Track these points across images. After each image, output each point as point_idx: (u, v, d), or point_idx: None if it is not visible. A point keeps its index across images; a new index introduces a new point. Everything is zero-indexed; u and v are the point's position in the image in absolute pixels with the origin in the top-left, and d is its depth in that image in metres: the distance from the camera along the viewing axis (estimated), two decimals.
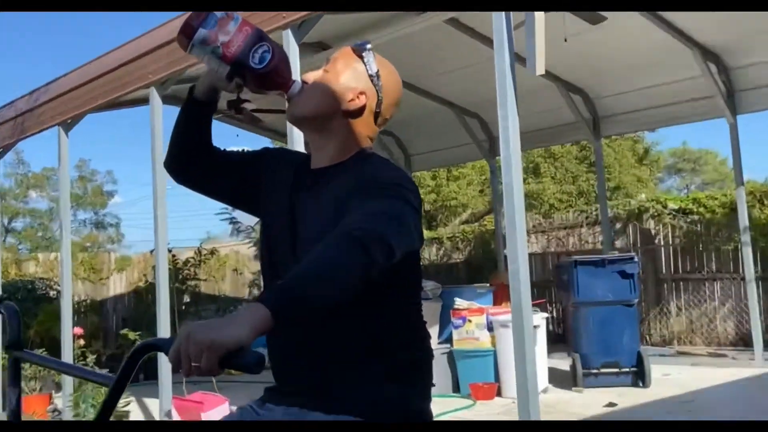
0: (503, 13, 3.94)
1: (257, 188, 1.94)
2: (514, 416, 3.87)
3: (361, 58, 1.82)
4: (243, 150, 2.04)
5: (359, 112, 1.81)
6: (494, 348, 7.08)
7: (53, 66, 52.04)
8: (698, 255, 10.42)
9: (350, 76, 1.80)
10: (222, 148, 2.00)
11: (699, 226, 10.47)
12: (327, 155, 1.82)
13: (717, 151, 32.17)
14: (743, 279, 8.86)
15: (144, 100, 6.72)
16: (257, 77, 1.70)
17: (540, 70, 3.97)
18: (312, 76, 1.82)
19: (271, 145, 1.99)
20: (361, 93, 1.80)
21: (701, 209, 10.48)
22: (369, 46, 1.84)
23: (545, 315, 7.76)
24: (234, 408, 1.59)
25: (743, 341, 9.44)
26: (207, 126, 1.93)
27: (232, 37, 1.66)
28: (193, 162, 1.94)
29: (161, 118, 6.37)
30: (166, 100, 6.66)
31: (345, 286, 1.43)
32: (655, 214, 10.91)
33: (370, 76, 1.81)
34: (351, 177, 1.71)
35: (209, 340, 1.24)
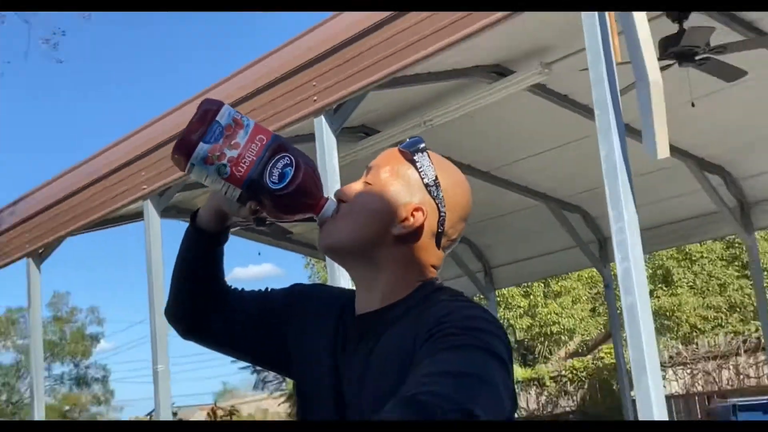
0: (605, 76, 3.99)
1: (286, 343, 1.93)
2: None
3: (413, 162, 1.78)
4: (267, 289, 2.05)
5: (416, 235, 1.75)
6: None
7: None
8: None
9: (400, 187, 1.75)
10: (239, 288, 2.02)
11: None
12: (377, 296, 1.77)
13: None
14: None
15: (137, 215, 6.90)
16: (277, 199, 1.69)
17: (663, 153, 3.97)
18: (350, 191, 1.77)
19: (304, 272, 1.92)
20: (417, 209, 1.73)
21: None
22: (422, 145, 1.79)
23: None
24: None
25: None
26: (217, 263, 1.91)
27: (242, 151, 1.67)
28: (201, 311, 1.94)
29: (159, 236, 6.52)
30: (165, 212, 6.85)
31: None
32: None
33: (427, 185, 1.75)
34: (412, 323, 1.68)
35: None
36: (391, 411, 1.47)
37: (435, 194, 1.75)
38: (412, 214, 1.72)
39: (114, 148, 7.06)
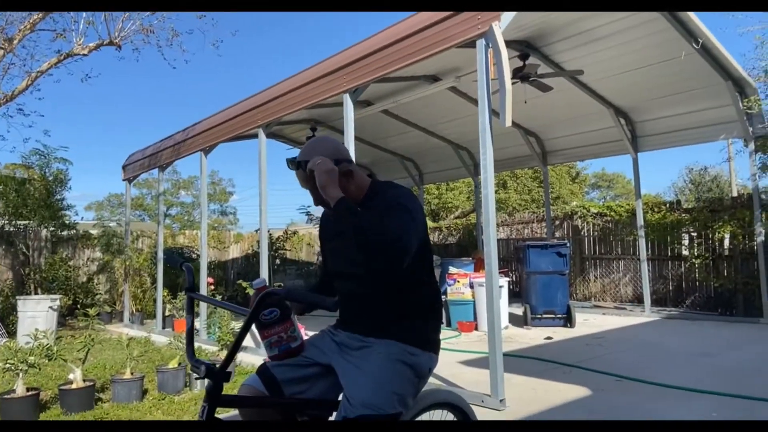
0: (485, 83, 3.93)
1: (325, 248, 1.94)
2: (485, 343, 3.89)
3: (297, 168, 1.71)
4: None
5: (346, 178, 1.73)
6: (473, 299, 7.10)
7: (196, 110, 52.49)
8: (610, 243, 10.30)
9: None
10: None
11: (611, 224, 10.35)
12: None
13: (624, 174, 31.54)
14: (639, 259, 8.76)
15: (255, 136, 6.83)
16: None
17: (508, 123, 3.95)
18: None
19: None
20: (341, 175, 1.70)
21: (612, 213, 10.34)
22: (291, 161, 1.71)
23: (507, 279, 7.76)
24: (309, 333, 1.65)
25: (638, 300, 9.33)
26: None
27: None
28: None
29: (265, 148, 6.46)
30: (269, 136, 6.76)
31: (378, 252, 1.50)
32: (582, 215, 10.79)
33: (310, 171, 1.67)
34: (376, 204, 1.70)
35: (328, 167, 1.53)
36: (389, 223, 1.53)
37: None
38: (344, 179, 1.71)
39: (243, 103, 6.88)
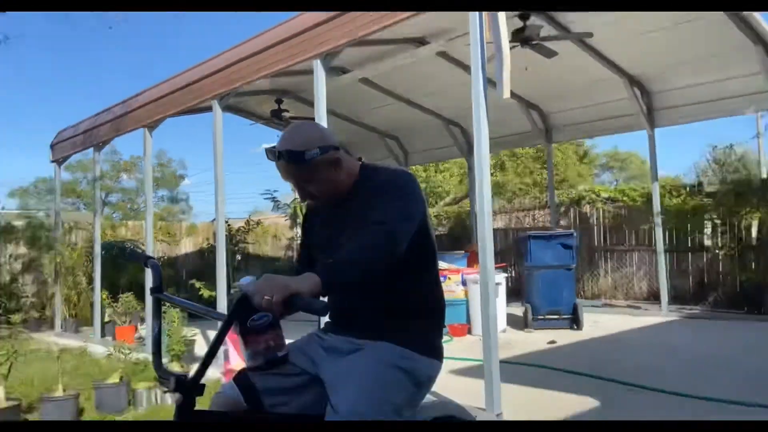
0: (479, 47, 3.92)
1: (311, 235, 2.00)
2: (480, 349, 3.92)
3: (302, 160, 1.74)
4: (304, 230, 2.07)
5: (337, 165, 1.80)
6: (466, 298, 7.15)
7: (135, 79, 51.43)
8: (622, 232, 10.45)
9: (315, 172, 1.76)
10: (306, 246, 2.01)
11: (623, 210, 10.49)
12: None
13: (639, 153, 31.96)
14: (655, 251, 8.89)
15: (209, 109, 6.73)
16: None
17: (506, 94, 3.95)
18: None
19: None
20: (329, 164, 1.77)
21: (625, 198, 10.49)
22: (267, 149, 1.76)
23: (505, 275, 7.81)
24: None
25: (653, 297, 9.49)
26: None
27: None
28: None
29: (221, 123, 6.38)
30: (225, 109, 6.68)
31: (374, 266, 1.55)
32: (591, 200, 10.92)
33: (310, 160, 1.73)
34: (367, 189, 1.79)
35: (283, 284, 1.38)
36: (365, 234, 1.59)
37: (318, 155, 1.74)
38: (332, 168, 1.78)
39: (195, 69, 6.78)
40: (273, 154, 1.74)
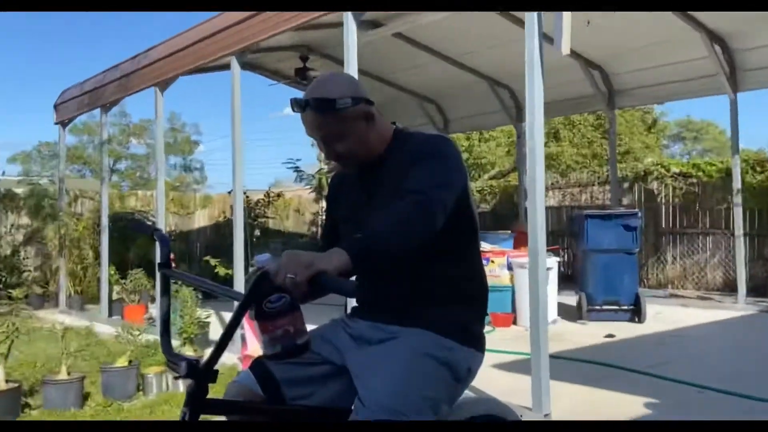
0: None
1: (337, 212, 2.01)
2: (527, 341, 3.91)
3: (333, 108, 1.72)
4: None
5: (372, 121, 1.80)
6: (512, 285, 7.11)
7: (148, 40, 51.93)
8: (694, 213, 10.24)
9: (352, 124, 1.75)
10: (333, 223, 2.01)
11: (697, 187, 10.26)
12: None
13: (717, 122, 31.16)
14: (732, 234, 8.69)
15: (227, 66, 6.74)
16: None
17: (566, 50, 3.87)
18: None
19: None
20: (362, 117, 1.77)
21: (700, 173, 10.24)
22: (313, 100, 1.72)
23: (557, 259, 7.74)
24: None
25: (729, 288, 9.30)
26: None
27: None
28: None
29: (239, 82, 6.40)
30: (244, 66, 6.69)
31: (409, 241, 1.52)
32: (659, 176, 10.71)
33: (345, 108, 1.72)
34: (401, 155, 1.78)
35: (308, 261, 1.36)
36: (399, 204, 1.56)
37: (351, 105, 1.73)
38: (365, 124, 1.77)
39: (207, 23, 6.81)
40: (299, 104, 1.72)
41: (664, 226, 10.55)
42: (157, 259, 1.82)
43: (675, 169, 10.65)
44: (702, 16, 7.50)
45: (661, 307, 8.18)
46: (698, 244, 10.12)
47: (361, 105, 1.75)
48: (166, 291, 1.80)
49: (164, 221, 7.74)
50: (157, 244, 1.84)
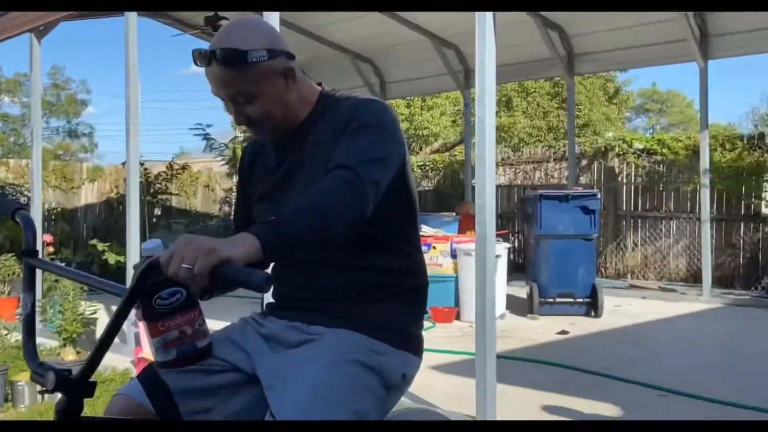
0: None
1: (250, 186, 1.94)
2: (472, 339, 3.94)
3: (245, 61, 1.64)
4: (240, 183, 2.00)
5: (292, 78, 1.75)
6: (456, 274, 7.17)
7: None
8: (658, 194, 10.59)
9: (263, 77, 1.68)
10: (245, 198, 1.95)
11: (661, 166, 10.60)
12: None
13: (684, 93, 32.31)
14: (699, 219, 9.02)
15: (120, 12, 6.46)
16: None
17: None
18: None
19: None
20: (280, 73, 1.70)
21: (665, 150, 10.58)
22: (219, 51, 1.63)
23: (507, 245, 7.86)
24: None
25: (693, 278, 9.69)
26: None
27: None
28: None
29: (136, 30, 6.15)
30: (142, 13, 6.43)
31: (334, 226, 1.46)
32: (620, 152, 11.00)
33: (260, 61, 1.65)
34: (328, 121, 1.74)
35: (208, 248, 1.27)
36: (322, 182, 1.50)
37: (266, 59, 1.66)
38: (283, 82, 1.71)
39: None
40: (203, 56, 1.64)
41: (624, 208, 10.88)
42: (24, 245, 1.71)
43: (638, 145, 10.96)
44: None
45: (620, 299, 8.44)
46: (661, 229, 10.48)
47: (279, 59, 1.68)
48: (31, 284, 1.69)
49: (41, 197, 7.40)
50: (22, 226, 1.72)
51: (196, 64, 1.67)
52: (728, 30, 8.26)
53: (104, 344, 1.41)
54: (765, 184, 9.39)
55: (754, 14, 7.88)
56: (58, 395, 1.47)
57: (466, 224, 8.40)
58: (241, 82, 1.65)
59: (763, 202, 9.40)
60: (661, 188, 10.55)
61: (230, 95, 1.68)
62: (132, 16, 6.09)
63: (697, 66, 8.46)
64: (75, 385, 1.43)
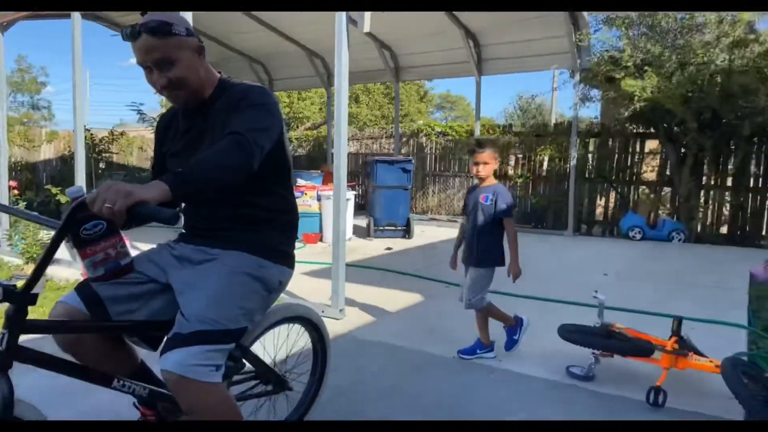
0: None
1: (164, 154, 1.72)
2: (329, 254, 3.92)
3: (169, 33, 1.46)
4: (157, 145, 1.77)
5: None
6: (320, 212, 7.11)
7: None
8: (449, 161, 10.99)
9: (181, 53, 1.50)
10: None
11: (451, 143, 10.99)
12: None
13: (466, 97, 33.58)
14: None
15: (67, 15, 5.62)
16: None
17: (366, 27, 3.77)
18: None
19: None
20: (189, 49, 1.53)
21: (453, 133, 10.95)
22: (141, 28, 1.44)
23: (354, 192, 7.87)
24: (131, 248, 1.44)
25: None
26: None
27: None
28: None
29: (80, 29, 5.39)
30: (86, 16, 5.64)
31: (227, 175, 1.34)
32: (427, 133, 11.27)
33: (177, 33, 1.48)
34: (225, 101, 1.59)
35: (126, 190, 1.14)
36: (220, 144, 1.36)
37: (185, 34, 1.50)
38: (196, 56, 1.55)
39: None
40: (132, 31, 1.43)
41: (428, 169, 11.22)
42: None
43: (438, 129, 11.28)
44: (462, 16, 7.83)
45: (424, 226, 8.77)
46: (450, 183, 10.93)
47: (193, 38, 1.52)
48: None
49: (6, 149, 6.42)
50: None
51: (123, 38, 1.45)
52: (494, 56, 8.59)
53: (42, 264, 1.26)
54: (510, 155, 10.01)
55: (511, 45, 8.24)
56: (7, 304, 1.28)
57: (328, 179, 8.31)
58: (165, 49, 1.46)
59: (509, 167, 10.03)
60: (450, 157, 10.97)
61: (155, 59, 1.47)
62: (77, 17, 5.33)
63: (474, 79, 8.76)
64: (20, 296, 1.27)
